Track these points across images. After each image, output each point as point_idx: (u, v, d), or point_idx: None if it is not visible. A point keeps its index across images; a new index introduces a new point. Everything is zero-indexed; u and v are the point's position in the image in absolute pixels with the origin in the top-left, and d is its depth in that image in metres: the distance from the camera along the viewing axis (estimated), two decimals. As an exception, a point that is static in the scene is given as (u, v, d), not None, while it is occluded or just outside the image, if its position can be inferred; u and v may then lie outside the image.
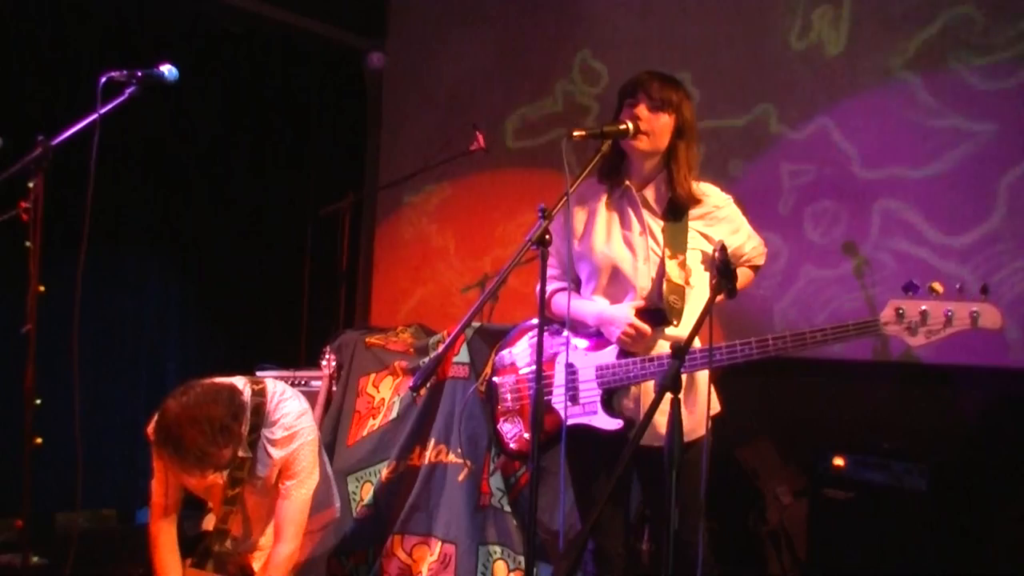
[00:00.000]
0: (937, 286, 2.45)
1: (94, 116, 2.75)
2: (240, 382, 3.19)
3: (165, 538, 3.23)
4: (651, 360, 2.71)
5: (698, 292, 2.77)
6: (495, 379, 3.02)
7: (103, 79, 2.76)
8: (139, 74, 2.80)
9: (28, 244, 2.74)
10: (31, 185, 2.72)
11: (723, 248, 2.39)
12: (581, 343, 2.85)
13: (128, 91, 2.80)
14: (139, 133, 5.17)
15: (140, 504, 5.05)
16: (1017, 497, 3.93)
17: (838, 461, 4.08)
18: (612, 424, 2.74)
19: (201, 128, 5.65)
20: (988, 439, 4.19)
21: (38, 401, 2.78)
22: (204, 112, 5.62)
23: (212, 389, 3.02)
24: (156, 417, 2.94)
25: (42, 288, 2.76)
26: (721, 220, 2.85)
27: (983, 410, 4.25)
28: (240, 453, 3.10)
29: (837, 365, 4.41)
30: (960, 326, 2.45)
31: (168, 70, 2.86)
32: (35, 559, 3.57)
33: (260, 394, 3.20)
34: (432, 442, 4.06)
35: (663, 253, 2.76)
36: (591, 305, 2.85)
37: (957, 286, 2.45)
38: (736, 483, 4.79)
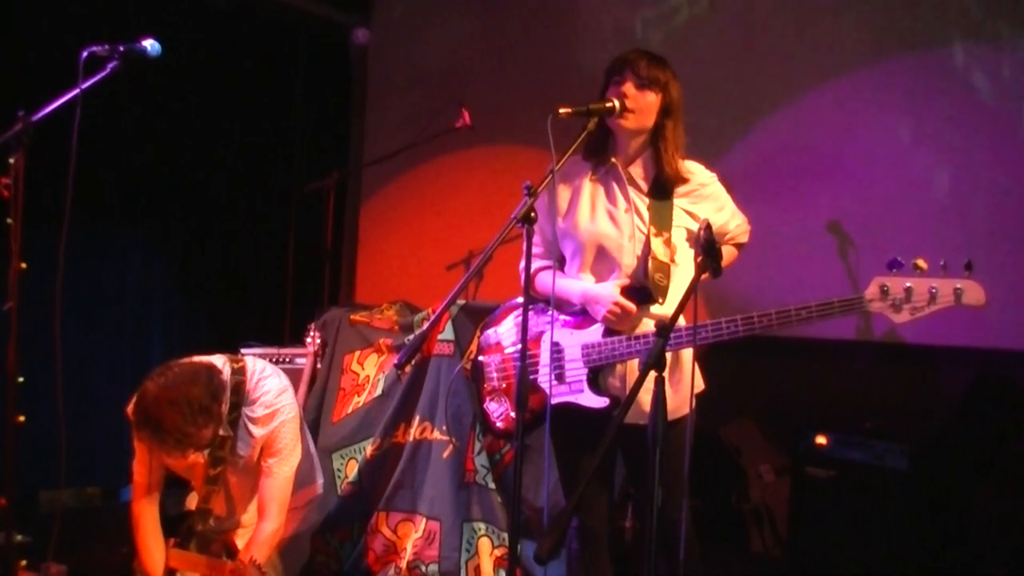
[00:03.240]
0: (921, 263, 2.46)
1: (75, 91, 2.72)
2: (219, 361, 3.18)
3: (148, 518, 3.22)
4: (636, 338, 2.71)
5: (683, 270, 2.77)
6: (481, 358, 3.02)
7: (84, 54, 2.73)
8: (121, 49, 2.77)
9: (9, 221, 2.72)
10: (11, 161, 2.69)
11: (708, 227, 2.39)
12: (567, 320, 2.86)
13: (110, 66, 2.77)
14: (121, 109, 5.12)
15: (124, 482, 5.02)
16: (996, 476, 3.97)
17: (820, 440, 4.11)
18: (598, 402, 2.75)
19: (184, 104, 5.59)
20: (968, 419, 4.22)
21: (20, 379, 2.76)
22: (187, 88, 5.56)
23: (191, 369, 3.00)
24: (135, 399, 2.93)
25: (24, 265, 2.74)
26: (706, 198, 2.85)
27: (964, 390, 4.28)
28: (221, 432, 3.09)
29: (820, 344, 4.43)
30: (944, 303, 2.46)
31: (150, 45, 2.82)
32: (19, 537, 3.55)
33: (240, 372, 3.19)
34: (417, 419, 4.06)
35: (648, 231, 2.76)
36: (576, 284, 2.84)
37: (941, 263, 2.46)
38: (719, 461, 4.82)
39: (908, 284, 2.47)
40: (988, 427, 4.16)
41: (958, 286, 2.44)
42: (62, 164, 2.71)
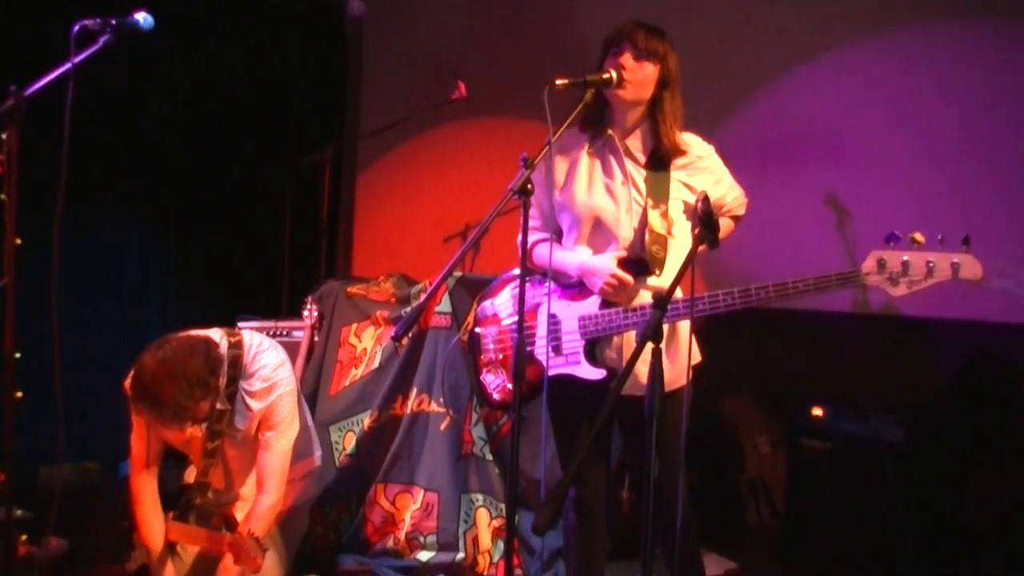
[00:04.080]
0: (919, 237, 2.46)
1: (67, 66, 2.70)
2: (216, 334, 3.18)
3: (146, 492, 3.24)
4: (634, 310, 2.71)
5: (680, 242, 2.77)
6: (477, 330, 3.02)
7: (76, 28, 2.70)
8: (113, 22, 2.74)
9: (3, 197, 2.71)
10: (4, 137, 2.68)
11: (706, 198, 2.38)
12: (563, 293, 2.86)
13: (102, 40, 2.74)
14: (116, 84, 5.09)
15: (123, 457, 5.04)
16: (991, 449, 3.98)
17: (817, 412, 4.13)
18: (595, 374, 2.75)
19: (179, 78, 5.57)
20: (964, 392, 4.24)
21: (18, 355, 2.76)
22: (182, 61, 5.53)
23: (188, 343, 3.01)
24: (132, 372, 2.94)
25: (19, 241, 2.73)
26: (703, 170, 2.84)
27: (960, 363, 4.29)
28: (218, 406, 3.10)
29: (817, 317, 4.43)
30: (941, 277, 2.46)
31: (143, 18, 2.79)
32: (19, 512, 3.57)
33: (237, 346, 3.19)
34: (414, 392, 4.07)
35: (645, 203, 2.75)
36: (573, 256, 2.84)
37: (939, 237, 2.45)
38: (716, 433, 4.84)
39: (905, 258, 2.47)
40: (984, 400, 4.18)
41: (955, 260, 2.44)
42: (59, 140, 2.70)
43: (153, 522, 3.22)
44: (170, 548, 3.25)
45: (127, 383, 2.97)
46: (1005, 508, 3.79)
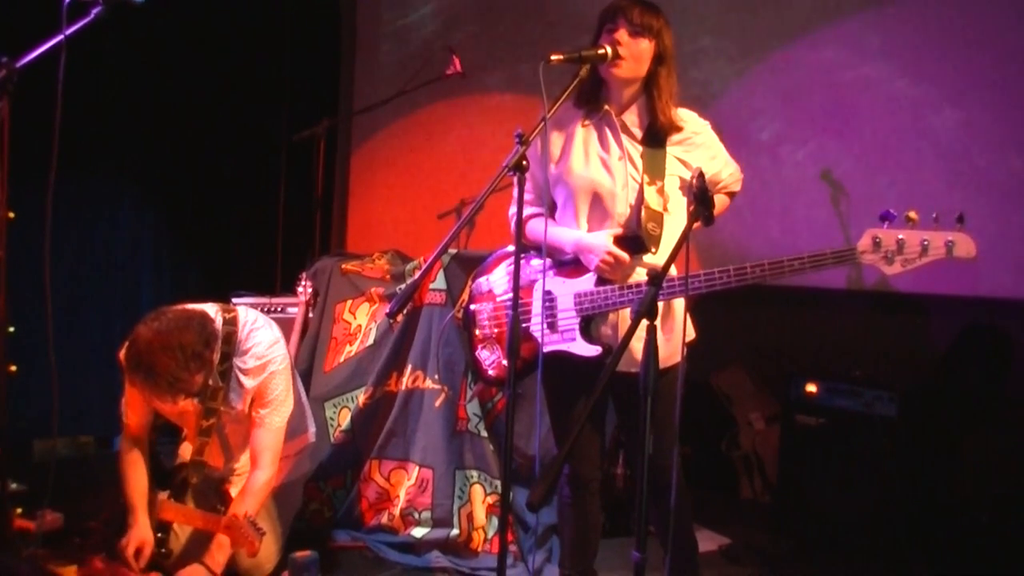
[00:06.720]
0: (913, 215, 2.46)
1: (59, 38, 2.68)
2: (212, 310, 3.18)
3: (134, 455, 3.26)
4: (629, 287, 2.71)
5: (676, 219, 2.76)
6: (472, 306, 3.02)
7: (68, -1, 2.68)
8: (105, -7, 2.72)
9: (-5, 170, 2.70)
10: (-3, 108, 2.66)
11: (701, 175, 2.37)
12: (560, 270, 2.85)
13: (94, 12, 2.72)
14: (108, 56, 5.06)
15: (117, 431, 5.06)
16: (982, 423, 4.00)
17: (810, 388, 4.14)
18: (590, 351, 2.75)
19: (172, 51, 5.53)
20: (956, 367, 4.26)
21: (11, 329, 2.76)
22: (175, 34, 5.49)
23: (184, 316, 3.01)
24: (128, 343, 2.94)
25: (12, 214, 2.72)
26: (699, 146, 2.83)
27: (953, 338, 4.31)
28: (211, 382, 3.10)
29: (812, 293, 4.45)
30: (935, 255, 2.46)
31: (136, -9, 2.77)
32: (14, 486, 3.58)
33: (231, 323, 3.19)
34: (409, 368, 4.07)
35: (642, 179, 2.74)
36: (569, 232, 2.83)
37: (933, 215, 2.46)
38: (710, 409, 4.86)
39: (900, 236, 2.47)
40: (975, 376, 4.20)
41: (949, 239, 2.44)
42: (52, 113, 2.68)
43: (138, 483, 3.22)
44: (166, 528, 3.26)
45: (122, 353, 2.98)
46: (996, 483, 3.81)
